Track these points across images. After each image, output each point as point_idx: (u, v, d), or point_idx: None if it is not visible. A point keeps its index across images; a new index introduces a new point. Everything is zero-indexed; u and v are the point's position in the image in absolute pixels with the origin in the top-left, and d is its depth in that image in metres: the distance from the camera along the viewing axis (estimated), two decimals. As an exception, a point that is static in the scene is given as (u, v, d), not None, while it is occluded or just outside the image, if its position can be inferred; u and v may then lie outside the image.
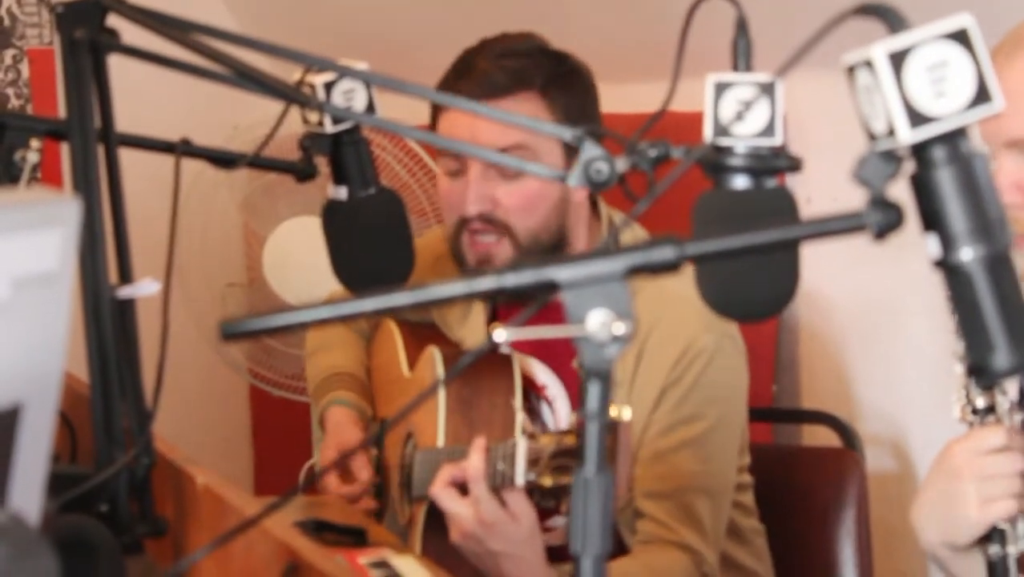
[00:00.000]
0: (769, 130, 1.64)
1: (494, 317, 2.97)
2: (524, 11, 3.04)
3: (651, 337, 2.83)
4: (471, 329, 2.99)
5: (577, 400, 2.74)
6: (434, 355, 2.86)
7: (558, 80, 2.87)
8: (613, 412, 2.28)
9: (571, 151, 2.76)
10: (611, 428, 2.25)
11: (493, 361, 2.78)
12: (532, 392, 2.86)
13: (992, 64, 2.13)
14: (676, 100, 1.76)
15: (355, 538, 2.57)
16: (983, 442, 2.07)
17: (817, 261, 3.80)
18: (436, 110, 2.94)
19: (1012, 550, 2.06)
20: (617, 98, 3.07)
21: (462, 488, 2.53)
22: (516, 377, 2.75)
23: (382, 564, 2.35)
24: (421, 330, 3.07)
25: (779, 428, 3.95)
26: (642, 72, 2.99)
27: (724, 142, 1.64)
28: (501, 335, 1.25)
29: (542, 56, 2.89)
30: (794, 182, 3.72)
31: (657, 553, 2.77)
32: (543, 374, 2.90)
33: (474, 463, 2.51)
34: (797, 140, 3.78)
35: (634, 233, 2.95)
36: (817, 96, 3.13)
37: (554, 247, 2.89)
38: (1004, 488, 2.04)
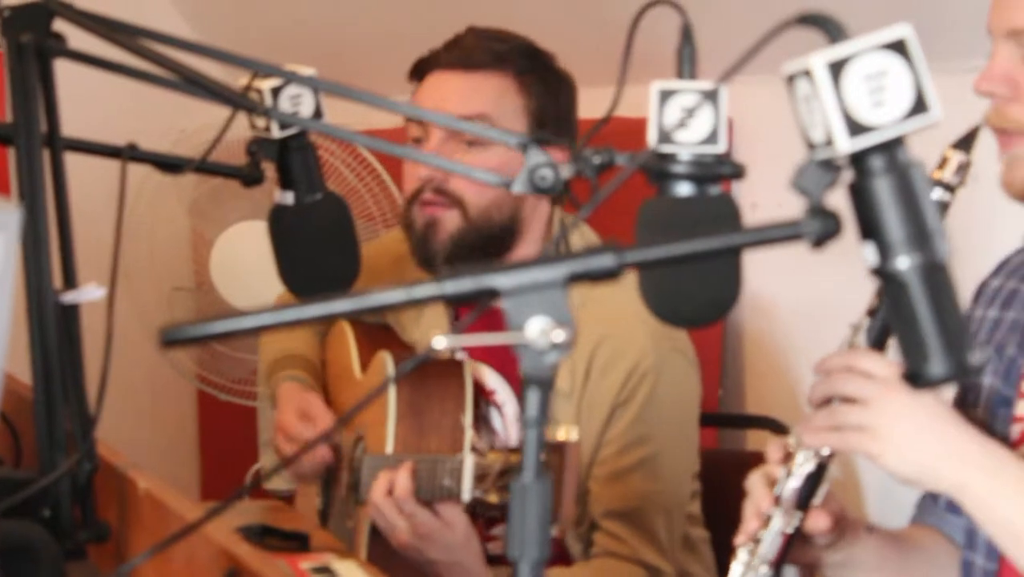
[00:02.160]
0: (713, 137, 1.65)
1: (456, 316, 2.97)
2: (472, 17, 3.04)
3: (599, 353, 2.84)
4: (425, 331, 2.98)
5: (525, 406, 2.78)
6: (385, 360, 2.86)
7: (537, 73, 2.91)
8: (561, 434, 2.29)
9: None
10: (558, 449, 2.28)
11: (445, 367, 2.79)
12: (482, 397, 2.87)
13: None
14: (625, 106, 1.77)
15: (298, 543, 2.59)
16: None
17: (762, 266, 3.82)
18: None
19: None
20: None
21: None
22: (467, 388, 2.75)
23: (324, 569, 2.37)
24: (375, 331, 3.07)
25: (724, 432, 3.97)
26: (592, 77, 2.99)
27: (668, 149, 1.64)
28: (441, 342, 1.25)
29: (528, 49, 2.94)
30: (740, 187, 3.73)
31: (616, 567, 2.79)
32: (493, 379, 2.90)
33: (401, 484, 2.55)
34: (744, 146, 3.80)
35: (584, 237, 2.96)
36: (764, 102, 3.13)
37: (504, 231, 2.90)
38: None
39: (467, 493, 2.45)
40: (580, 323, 2.91)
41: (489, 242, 2.87)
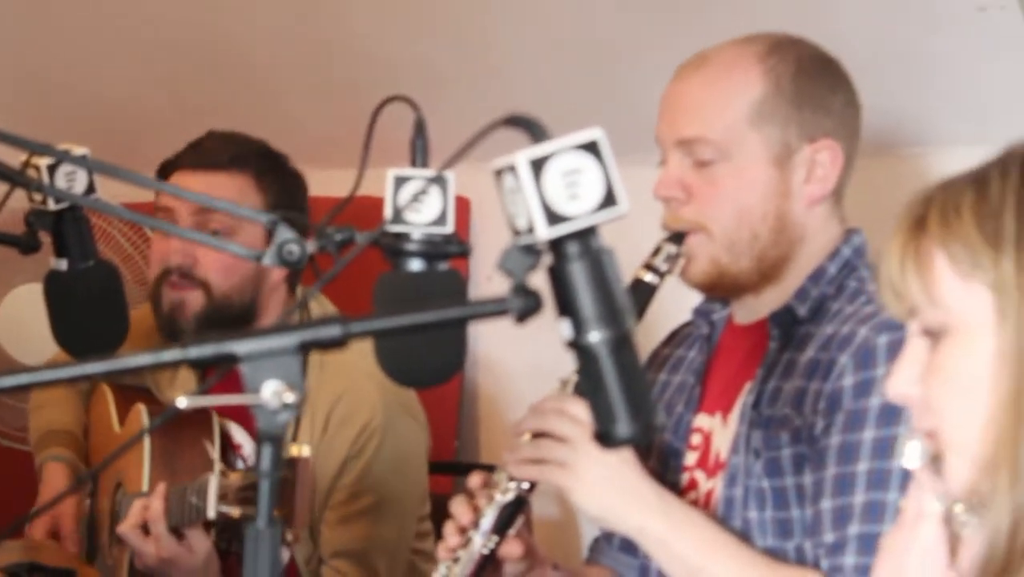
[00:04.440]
0: (442, 219, 1.66)
1: (203, 377, 2.96)
2: (236, 108, 3.05)
3: (337, 409, 2.87)
4: (178, 390, 2.97)
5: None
6: (141, 411, 2.88)
7: (273, 172, 2.93)
8: (294, 451, 2.31)
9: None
10: (291, 463, 2.29)
11: (195, 418, 2.80)
12: (230, 450, 2.86)
13: (677, 75, 2.22)
14: (369, 186, 1.77)
15: (66, 578, 2.56)
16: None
17: (494, 332, 3.87)
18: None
19: None
20: (317, 182, 3.08)
21: (147, 528, 2.56)
22: (215, 429, 2.77)
23: (87, 603, 2.35)
24: (133, 392, 3.05)
25: (459, 479, 3.98)
26: (341, 159, 3.00)
27: (401, 229, 1.66)
28: (183, 402, 1.25)
29: (264, 151, 2.96)
30: (477, 262, 3.77)
31: None
32: (239, 435, 2.91)
33: (154, 506, 2.55)
34: (480, 224, 3.84)
35: (324, 308, 2.97)
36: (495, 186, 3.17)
37: (246, 310, 2.90)
38: None
39: (212, 509, 2.46)
40: (321, 382, 2.93)
41: (231, 320, 2.87)
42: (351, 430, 2.85)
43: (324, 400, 2.85)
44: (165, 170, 2.94)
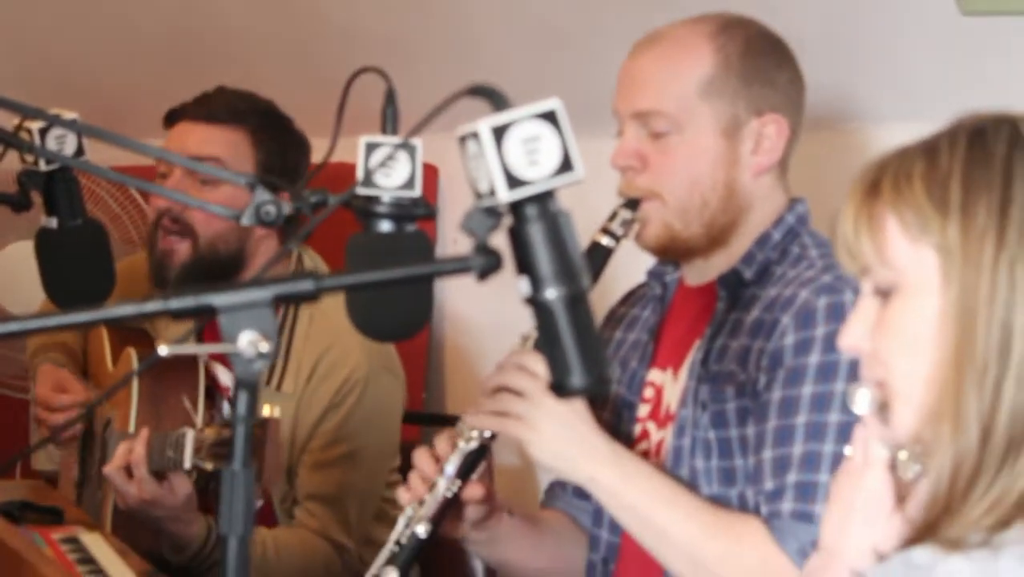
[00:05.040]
0: (410, 184, 1.67)
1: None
2: (213, 75, 3.05)
3: (322, 361, 2.87)
4: (174, 332, 2.97)
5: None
6: (131, 355, 2.88)
7: (270, 132, 2.92)
8: (266, 411, 2.32)
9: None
10: (263, 424, 2.30)
11: (183, 363, 2.80)
12: (216, 392, 2.87)
13: (633, 51, 2.23)
14: (343, 153, 1.77)
15: (53, 517, 2.58)
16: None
17: (460, 289, 3.88)
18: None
19: None
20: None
21: (130, 470, 2.57)
22: (200, 380, 2.77)
23: (73, 540, 2.38)
24: (130, 333, 3.05)
25: (427, 429, 3.99)
26: (316, 127, 3.00)
27: (371, 192, 1.66)
28: (164, 350, 1.25)
29: (266, 110, 2.95)
30: (445, 225, 3.78)
31: (309, 538, 2.84)
32: (226, 377, 2.91)
33: (137, 450, 2.55)
34: (448, 189, 3.84)
35: (316, 264, 2.98)
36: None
37: (231, 260, 2.90)
38: None
39: (187, 461, 2.47)
40: (309, 335, 2.94)
41: (217, 270, 2.87)
42: (334, 381, 2.86)
43: (311, 352, 2.87)
44: (170, 117, 2.96)
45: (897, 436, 1.43)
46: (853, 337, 1.45)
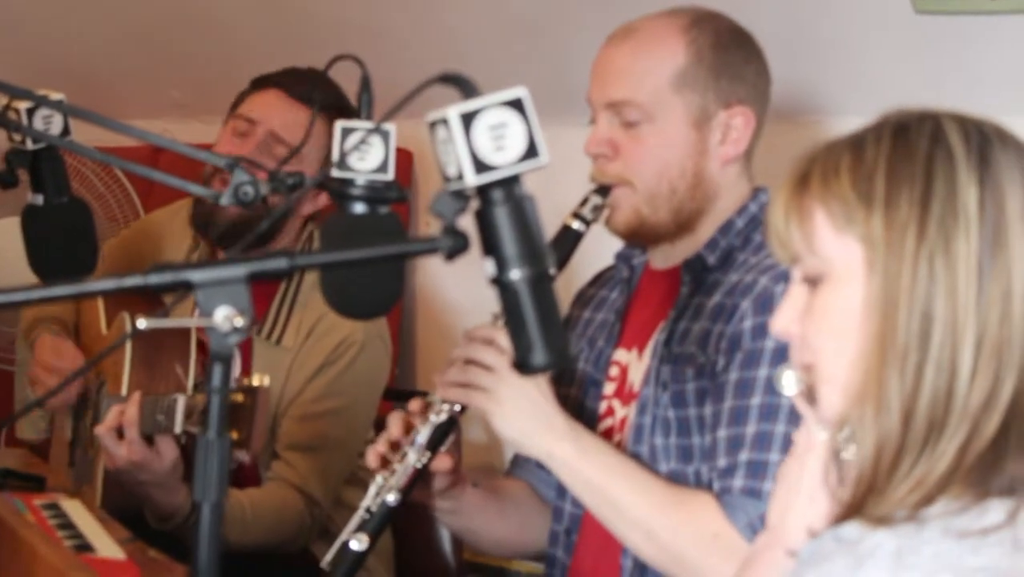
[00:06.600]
0: (383, 167, 1.68)
1: None
2: (199, 64, 3.04)
3: (322, 321, 2.91)
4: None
5: (246, 364, 2.87)
6: (125, 318, 2.89)
7: (335, 113, 2.87)
8: (256, 380, 2.33)
9: None
10: (252, 392, 2.31)
11: (176, 329, 2.81)
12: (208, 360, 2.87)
13: (607, 43, 2.24)
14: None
15: (35, 484, 2.57)
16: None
17: (432, 268, 3.89)
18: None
19: None
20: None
21: (121, 432, 2.57)
22: (192, 346, 2.77)
23: (53, 506, 2.38)
24: (124, 296, 3.05)
25: (398, 405, 3.99)
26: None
27: (346, 175, 1.67)
28: (142, 324, 1.26)
29: (343, 106, 2.89)
30: (418, 208, 3.78)
31: (283, 492, 2.86)
32: None
33: (129, 412, 2.55)
34: (422, 174, 3.84)
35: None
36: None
37: (264, 231, 2.92)
38: None
39: (178, 426, 2.48)
40: (311, 299, 2.96)
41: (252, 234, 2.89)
42: (331, 340, 2.91)
43: (312, 313, 2.92)
44: (259, 83, 2.97)
45: (824, 416, 1.45)
46: (783, 322, 1.47)
